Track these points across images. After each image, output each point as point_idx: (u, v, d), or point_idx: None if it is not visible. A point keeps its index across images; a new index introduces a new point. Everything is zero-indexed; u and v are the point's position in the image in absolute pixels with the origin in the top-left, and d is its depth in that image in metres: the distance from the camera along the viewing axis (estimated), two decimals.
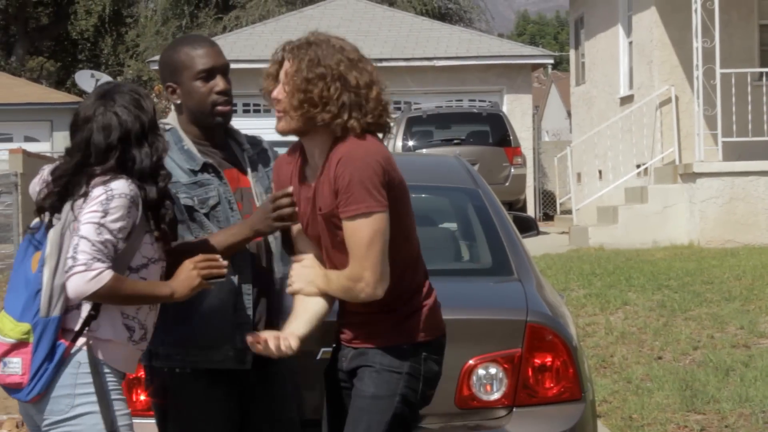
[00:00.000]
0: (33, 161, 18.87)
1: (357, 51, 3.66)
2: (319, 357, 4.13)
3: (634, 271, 12.58)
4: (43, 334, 3.51)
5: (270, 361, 3.84)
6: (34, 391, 3.52)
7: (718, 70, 15.91)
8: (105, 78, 35.60)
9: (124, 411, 3.61)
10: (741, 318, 9.86)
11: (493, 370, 4.30)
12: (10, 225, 17.50)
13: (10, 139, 28.89)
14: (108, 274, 3.43)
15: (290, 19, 27.04)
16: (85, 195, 3.53)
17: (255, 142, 4.14)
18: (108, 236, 3.46)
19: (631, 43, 20.22)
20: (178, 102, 3.95)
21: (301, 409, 4.08)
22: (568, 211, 21.23)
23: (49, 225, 3.59)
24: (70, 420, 3.53)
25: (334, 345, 3.83)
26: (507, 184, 19.44)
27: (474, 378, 4.31)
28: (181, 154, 3.91)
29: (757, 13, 18.62)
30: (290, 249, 3.91)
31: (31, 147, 24.68)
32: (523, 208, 21.65)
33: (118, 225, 3.47)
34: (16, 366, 3.53)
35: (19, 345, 3.54)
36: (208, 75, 3.89)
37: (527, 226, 6.38)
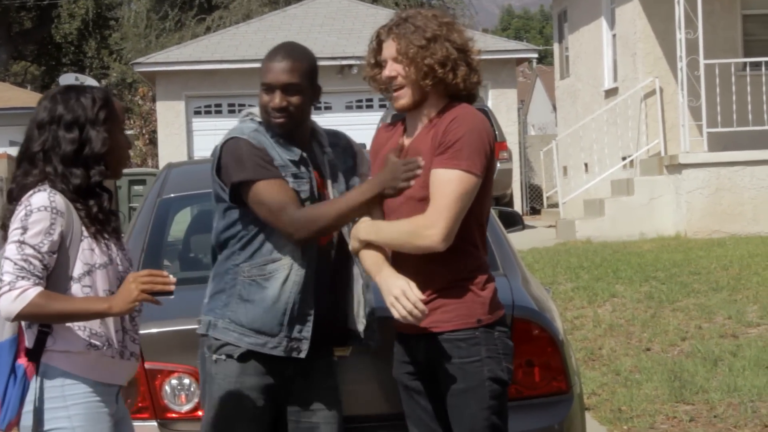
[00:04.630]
0: None
1: (447, 15, 3.85)
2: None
3: (622, 263, 12.60)
4: None
5: (310, 354, 3.91)
6: (8, 416, 3.45)
7: (702, 61, 15.95)
8: (90, 81, 35.64)
9: (97, 425, 3.48)
10: (728, 308, 9.89)
11: None
12: None
13: None
14: (33, 292, 3.31)
15: (274, 18, 26.99)
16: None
17: (335, 141, 4.16)
18: (30, 251, 3.34)
19: (614, 35, 20.24)
20: None
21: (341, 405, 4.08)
22: (555, 205, 21.26)
23: None
24: None
25: (397, 342, 3.88)
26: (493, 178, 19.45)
27: None
28: (277, 145, 3.97)
29: (740, 4, 18.65)
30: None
31: (16, 152, 24.60)
32: (510, 203, 21.65)
33: (39, 239, 3.36)
34: None
35: None
36: (268, 89, 3.98)
37: (513, 221, 6.40)
